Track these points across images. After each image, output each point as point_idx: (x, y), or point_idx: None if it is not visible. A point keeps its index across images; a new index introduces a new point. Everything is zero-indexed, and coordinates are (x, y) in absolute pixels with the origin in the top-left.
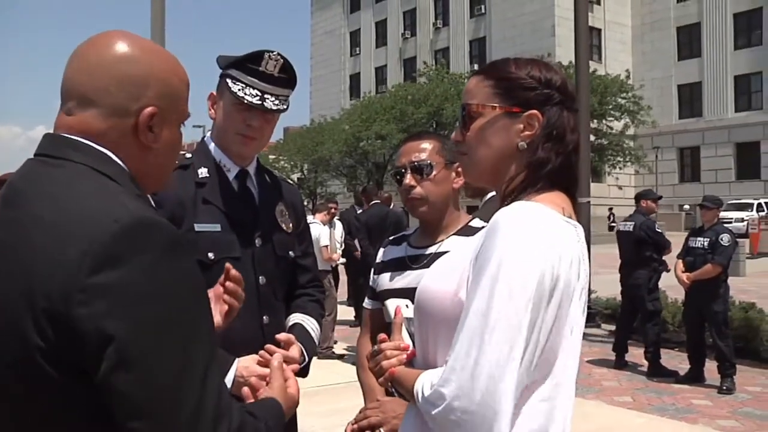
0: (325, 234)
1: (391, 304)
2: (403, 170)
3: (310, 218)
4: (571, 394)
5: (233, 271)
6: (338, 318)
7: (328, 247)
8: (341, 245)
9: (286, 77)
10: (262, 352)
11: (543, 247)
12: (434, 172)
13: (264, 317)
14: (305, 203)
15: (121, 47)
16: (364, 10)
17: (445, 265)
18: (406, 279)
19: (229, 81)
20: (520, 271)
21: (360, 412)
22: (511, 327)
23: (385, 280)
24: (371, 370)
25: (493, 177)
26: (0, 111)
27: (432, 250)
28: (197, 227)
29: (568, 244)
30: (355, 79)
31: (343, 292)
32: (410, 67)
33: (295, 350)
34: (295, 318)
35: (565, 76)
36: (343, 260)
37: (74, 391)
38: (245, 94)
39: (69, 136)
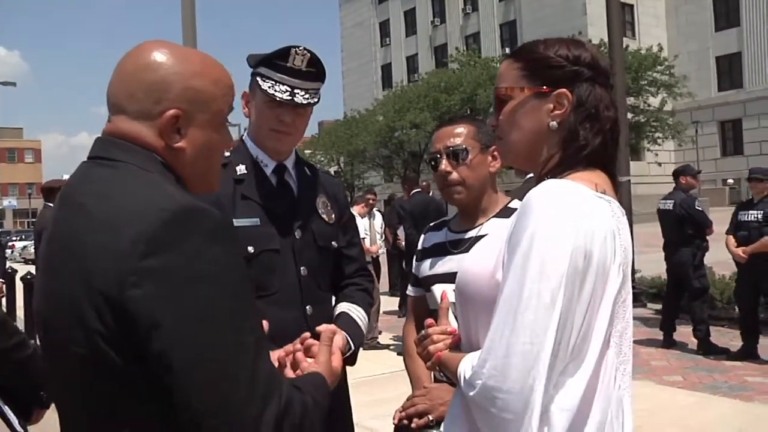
0: (363, 226)
1: (438, 289)
2: (438, 156)
3: None
4: (615, 376)
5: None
6: (382, 308)
7: (367, 238)
8: (381, 236)
9: (314, 71)
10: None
11: (574, 224)
12: (470, 157)
13: (307, 307)
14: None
15: (147, 56)
16: (393, 0)
17: (484, 247)
18: (447, 264)
19: (259, 79)
20: (552, 249)
21: (407, 399)
22: (543, 305)
23: (427, 266)
24: (419, 354)
25: (529, 159)
26: (43, 121)
27: (472, 234)
28: (236, 222)
29: (601, 219)
30: (386, 70)
31: (385, 282)
32: (441, 54)
33: (338, 339)
34: (342, 307)
35: (596, 52)
36: (383, 250)
37: (133, 374)
38: (275, 90)
39: (116, 139)
